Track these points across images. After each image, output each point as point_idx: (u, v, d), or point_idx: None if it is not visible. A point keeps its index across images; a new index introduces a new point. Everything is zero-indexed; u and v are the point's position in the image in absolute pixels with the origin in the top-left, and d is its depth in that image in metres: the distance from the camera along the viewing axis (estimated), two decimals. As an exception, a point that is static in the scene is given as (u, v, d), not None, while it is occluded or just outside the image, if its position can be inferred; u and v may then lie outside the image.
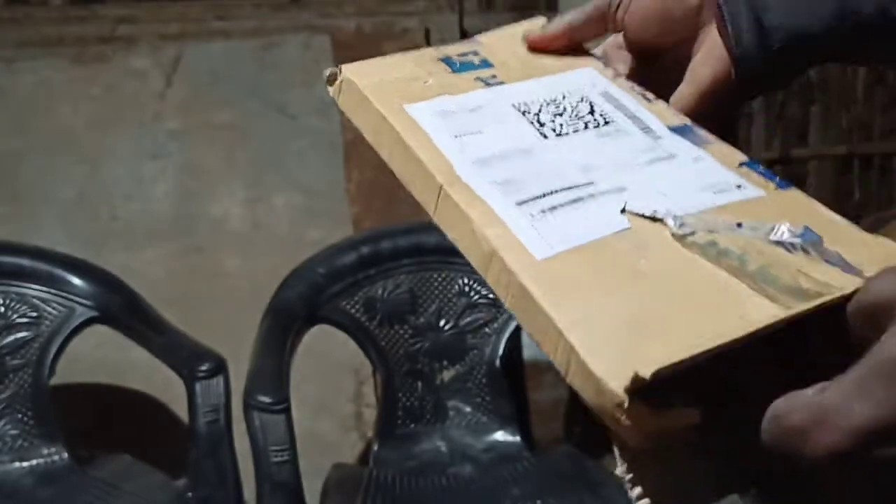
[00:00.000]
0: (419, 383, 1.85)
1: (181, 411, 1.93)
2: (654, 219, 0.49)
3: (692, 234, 0.47)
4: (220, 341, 1.83)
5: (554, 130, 0.57)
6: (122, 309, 1.82)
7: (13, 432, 1.76)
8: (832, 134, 2.70)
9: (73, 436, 1.80)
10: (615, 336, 0.42)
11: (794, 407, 0.39)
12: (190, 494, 1.67)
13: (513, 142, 0.56)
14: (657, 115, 0.58)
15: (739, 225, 0.48)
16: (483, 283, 2.03)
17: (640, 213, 0.50)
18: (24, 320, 1.80)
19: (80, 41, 2.11)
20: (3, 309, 1.80)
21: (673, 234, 0.48)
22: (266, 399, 1.64)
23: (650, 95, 0.60)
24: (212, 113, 2.14)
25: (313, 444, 1.97)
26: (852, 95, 2.70)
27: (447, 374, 1.87)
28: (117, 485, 1.71)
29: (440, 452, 1.81)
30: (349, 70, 0.64)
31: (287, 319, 1.81)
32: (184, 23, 2.14)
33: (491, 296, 1.83)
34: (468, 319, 1.87)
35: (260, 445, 1.62)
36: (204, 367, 1.71)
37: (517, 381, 1.87)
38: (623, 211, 0.50)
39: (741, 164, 0.54)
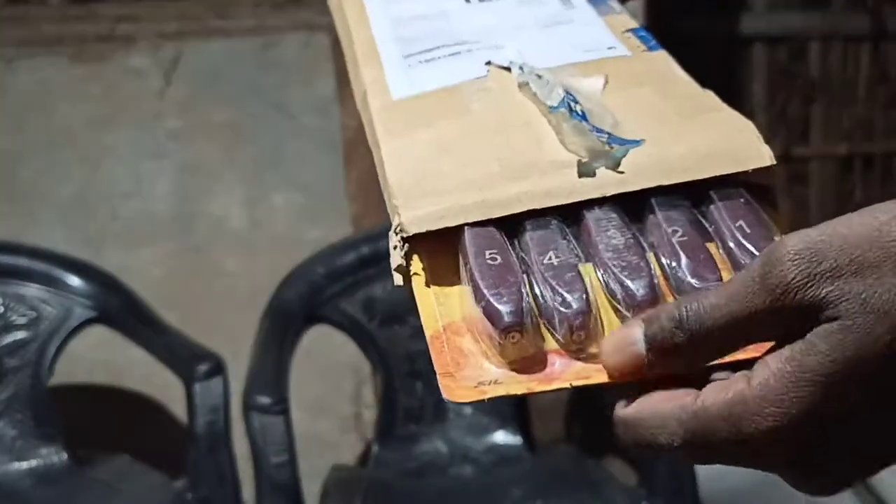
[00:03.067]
0: (419, 384, 1.85)
1: (180, 412, 1.93)
2: (508, 69, 0.54)
3: (527, 84, 0.52)
4: (219, 341, 1.83)
5: None
6: (121, 309, 1.82)
7: (12, 433, 1.75)
8: (833, 133, 2.69)
9: (72, 436, 1.80)
10: (416, 175, 0.49)
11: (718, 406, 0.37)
12: (189, 495, 1.67)
13: (435, 6, 0.62)
14: None
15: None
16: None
17: (499, 64, 0.55)
18: (23, 320, 1.79)
19: (80, 40, 2.10)
20: (1, 309, 1.80)
21: (518, 83, 0.53)
22: (265, 400, 1.64)
23: None
24: (211, 112, 2.13)
25: (312, 445, 1.97)
26: (854, 94, 2.70)
27: (447, 375, 1.86)
28: (116, 485, 1.71)
29: (440, 453, 1.81)
30: None
31: (286, 319, 1.80)
32: (183, 21, 2.14)
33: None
34: (468, 319, 1.86)
35: (259, 446, 1.62)
36: (203, 368, 1.71)
37: (517, 381, 1.86)
38: (488, 63, 0.55)
39: (626, 31, 0.58)
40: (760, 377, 0.37)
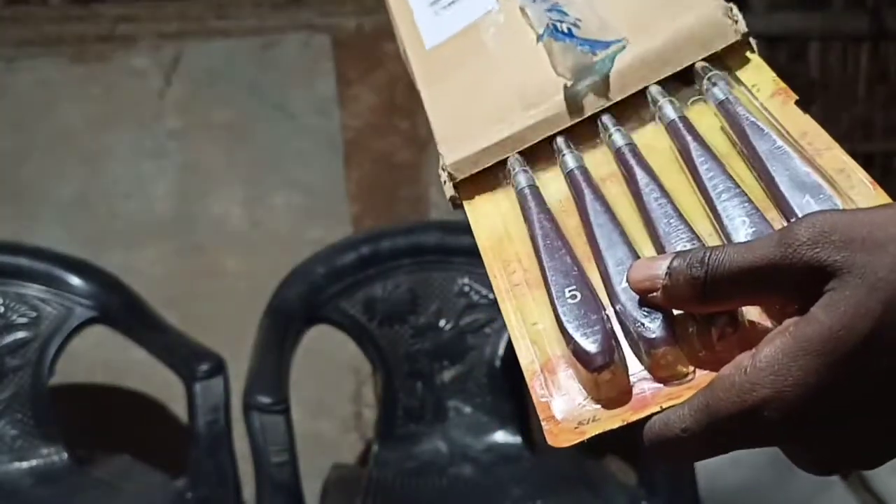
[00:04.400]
0: (419, 383, 1.85)
1: (181, 411, 1.93)
2: None
3: (524, 9, 0.59)
4: (219, 341, 1.83)
5: None
6: (122, 309, 1.82)
7: (13, 432, 1.76)
8: (833, 133, 2.68)
9: (73, 436, 1.80)
10: (453, 120, 0.57)
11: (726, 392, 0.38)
12: (189, 495, 1.67)
13: None
14: None
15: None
16: (483, 283, 2.04)
17: None
18: (24, 320, 1.79)
19: (80, 40, 2.10)
20: (2, 309, 1.80)
21: (519, 7, 0.59)
22: (266, 399, 1.64)
23: None
24: (211, 112, 2.13)
25: (313, 445, 1.97)
26: (854, 94, 2.70)
27: (447, 375, 1.86)
28: (117, 485, 1.71)
29: (440, 453, 1.81)
30: None
31: (286, 319, 1.80)
32: (183, 22, 2.14)
33: (491, 296, 1.82)
34: (468, 319, 1.86)
35: (259, 446, 1.62)
36: (203, 368, 1.71)
37: (517, 381, 1.86)
38: None
39: None
40: (764, 352, 0.38)
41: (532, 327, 0.47)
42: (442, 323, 1.87)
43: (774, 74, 0.52)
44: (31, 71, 2.08)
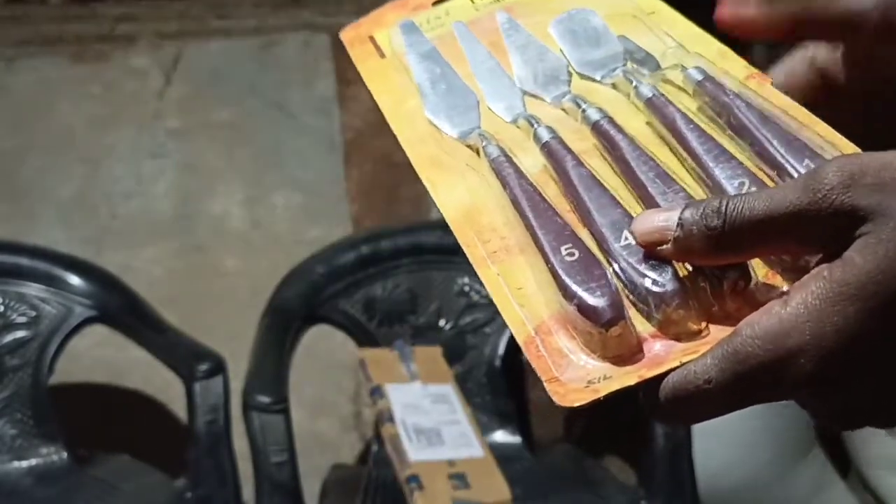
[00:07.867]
0: (419, 383, 1.85)
1: (180, 411, 1.93)
2: None
3: None
4: (219, 341, 1.83)
5: None
6: (122, 308, 1.82)
7: (12, 432, 1.76)
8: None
9: (72, 435, 1.80)
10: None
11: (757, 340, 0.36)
12: (189, 494, 1.67)
13: None
14: None
15: None
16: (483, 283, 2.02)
17: None
18: (23, 319, 1.79)
19: (80, 40, 2.10)
20: (1, 308, 1.80)
21: None
22: (265, 399, 1.64)
23: None
24: (211, 112, 2.13)
25: (312, 445, 1.97)
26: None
27: (447, 374, 1.86)
28: (116, 484, 1.71)
29: (440, 453, 1.81)
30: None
31: (286, 319, 1.80)
32: (183, 21, 2.14)
33: (491, 295, 1.82)
34: (468, 319, 1.86)
35: (259, 445, 1.62)
36: (203, 367, 1.71)
37: (517, 381, 1.87)
38: None
39: None
40: (798, 297, 0.36)
41: (518, 292, 0.43)
42: (442, 323, 1.87)
43: (745, 61, 0.49)
44: (31, 71, 2.08)
